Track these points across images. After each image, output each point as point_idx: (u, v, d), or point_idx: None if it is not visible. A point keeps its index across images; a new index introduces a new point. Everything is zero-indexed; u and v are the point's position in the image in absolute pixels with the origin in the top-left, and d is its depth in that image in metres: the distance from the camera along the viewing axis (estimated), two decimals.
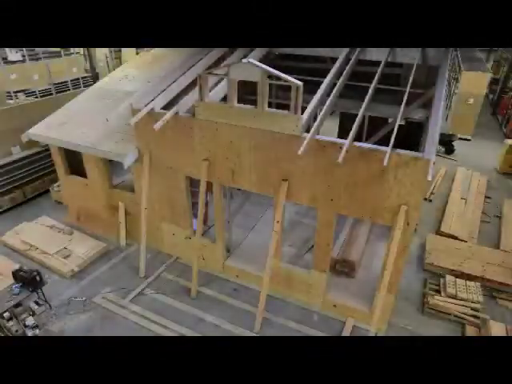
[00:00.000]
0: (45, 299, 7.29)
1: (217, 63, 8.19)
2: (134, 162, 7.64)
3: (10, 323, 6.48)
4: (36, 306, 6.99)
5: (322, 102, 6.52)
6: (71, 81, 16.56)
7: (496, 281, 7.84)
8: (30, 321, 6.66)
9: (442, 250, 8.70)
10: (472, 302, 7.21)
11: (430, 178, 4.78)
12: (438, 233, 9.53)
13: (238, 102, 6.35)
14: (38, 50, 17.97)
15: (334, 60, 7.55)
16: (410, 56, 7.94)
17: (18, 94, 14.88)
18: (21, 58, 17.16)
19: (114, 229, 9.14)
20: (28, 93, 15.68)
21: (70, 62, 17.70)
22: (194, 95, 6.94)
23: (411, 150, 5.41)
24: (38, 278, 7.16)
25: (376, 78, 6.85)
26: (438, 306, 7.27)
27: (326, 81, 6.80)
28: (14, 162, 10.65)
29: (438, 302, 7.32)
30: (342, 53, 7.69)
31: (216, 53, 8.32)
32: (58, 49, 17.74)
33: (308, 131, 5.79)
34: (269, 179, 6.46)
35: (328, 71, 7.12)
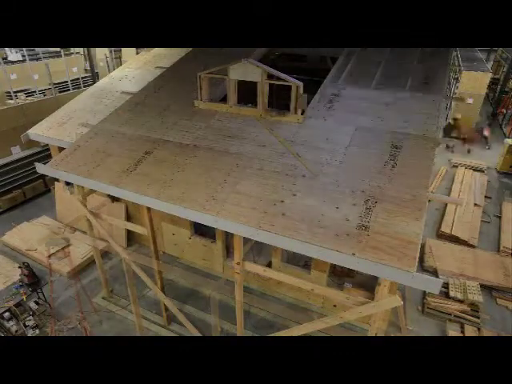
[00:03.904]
0: (45, 299, 7.30)
1: None
2: None
3: (10, 323, 6.49)
4: (36, 306, 7.00)
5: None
6: (71, 81, 16.56)
7: (495, 282, 7.84)
8: (30, 321, 6.67)
9: (441, 253, 8.70)
10: (472, 303, 7.22)
11: None
12: (439, 233, 9.53)
13: (238, 102, 6.36)
14: (38, 50, 18.01)
15: (334, 60, 7.54)
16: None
17: (18, 94, 14.89)
18: (21, 58, 17.19)
19: (114, 229, 9.14)
20: (28, 93, 15.69)
21: (70, 62, 17.70)
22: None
23: None
24: (37, 278, 7.18)
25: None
26: (438, 306, 7.27)
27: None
28: (14, 161, 10.66)
29: (438, 302, 7.32)
30: (342, 53, 7.70)
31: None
32: (57, 49, 17.76)
33: None
34: None
35: (328, 71, 7.12)
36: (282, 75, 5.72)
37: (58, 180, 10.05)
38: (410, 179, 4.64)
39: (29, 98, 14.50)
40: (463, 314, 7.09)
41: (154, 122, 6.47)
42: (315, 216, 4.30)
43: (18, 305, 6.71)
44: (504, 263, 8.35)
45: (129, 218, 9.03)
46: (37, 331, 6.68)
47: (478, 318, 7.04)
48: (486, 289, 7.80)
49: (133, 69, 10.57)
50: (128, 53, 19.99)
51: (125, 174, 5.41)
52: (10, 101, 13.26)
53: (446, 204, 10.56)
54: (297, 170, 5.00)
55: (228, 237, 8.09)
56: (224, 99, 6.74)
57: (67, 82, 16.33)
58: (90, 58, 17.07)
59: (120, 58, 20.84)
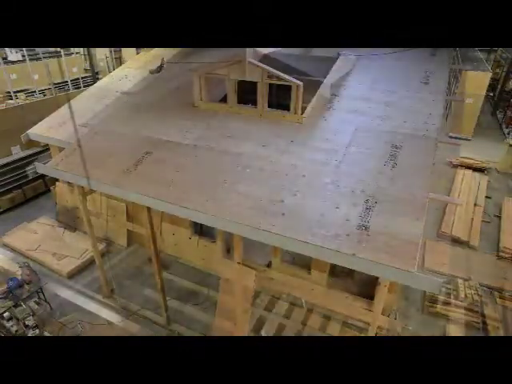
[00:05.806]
0: (45, 299, 7.30)
1: None
2: None
3: (10, 323, 6.48)
4: (36, 306, 7.00)
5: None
6: (71, 81, 16.56)
7: (495, 282, 7.84)
8: (30, 321, 6.66)
9: (441, 253, 8.70)
10: (471, 304, 7.21)
11: None
12: (439, 233, 9.52)
13: (238, 102, 6.36)
14: (37, 49, 17.99)
15: (333, 60, 7.54)
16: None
17: (18, 94, 14.88)
18: (21, 58, 17.17)
19: (114, 229, 9.14)
20: (28, 93, 15.68)
21: (70, 62, 17.70)
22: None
23: None
24: (38, 278, 7.18)
25: None
26: (437, 306, 7.27)
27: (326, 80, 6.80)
28: (14, 161, 10.66)
29: (437, 302, 7.32)
30: (341, 53, 7.70)
31: None
32: (58, 49, 17.75)
33: None
34: None
35: (328, 71, 7.12)
36: (282, 75, 5.72)
37: (58, 180, 10.06)
38: (410, 179, 4.64)
39: (29, 98, 14.49)
40: (463, 314, 7.10)
41: (154, 121, 6.47)
42: (315, 216, 4.30)
43: (17, 305, 6.71)
44: (504, 263, 8.34)
45: (129, 217, 9.03)
46: (37, 331, 6.67)
47: (478, 317, 7.04)
48: (486, 289, 7.80)
49: (133, 69, 10.57)
50: (128, 53, 19.98)
51: (125, 174, 5.41)
52: (10, 101, 13.25)
53: (446, 204, 10.55)
54: (297, 170, 5.00)
55: (228, 237, 8.09)
56: (224, 99, 6.74)
57: (67, 81, 16.32)
58: (90, 58, 17.08)
59: (120, 57, 20.85)
